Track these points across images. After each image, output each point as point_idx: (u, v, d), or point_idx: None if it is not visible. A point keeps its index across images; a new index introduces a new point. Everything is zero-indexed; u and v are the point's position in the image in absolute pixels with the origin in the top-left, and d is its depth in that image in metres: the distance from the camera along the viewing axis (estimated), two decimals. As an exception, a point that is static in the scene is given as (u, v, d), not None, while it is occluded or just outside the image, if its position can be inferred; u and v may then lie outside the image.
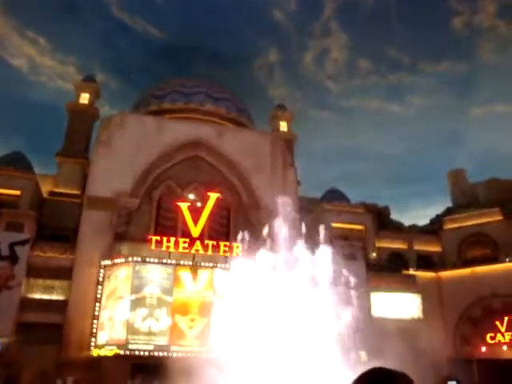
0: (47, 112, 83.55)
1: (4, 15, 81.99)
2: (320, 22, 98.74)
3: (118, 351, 23.37)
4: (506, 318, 30.92)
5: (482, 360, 29.95)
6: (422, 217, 67.48)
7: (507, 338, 30.75)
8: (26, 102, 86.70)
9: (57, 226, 28.05)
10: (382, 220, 39.76)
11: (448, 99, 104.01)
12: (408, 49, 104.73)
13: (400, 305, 30.69)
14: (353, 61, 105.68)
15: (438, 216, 45.17)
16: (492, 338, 31.05)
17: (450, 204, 47.36)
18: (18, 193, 28.65)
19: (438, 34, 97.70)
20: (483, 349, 30.72)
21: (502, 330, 30.95)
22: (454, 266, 34.07)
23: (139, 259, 25.00)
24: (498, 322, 31.07)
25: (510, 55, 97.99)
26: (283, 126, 42.52)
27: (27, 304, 24.80)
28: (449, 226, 36.92)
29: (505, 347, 30.66)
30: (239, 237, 20.47)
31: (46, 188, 31.69)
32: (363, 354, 22.74)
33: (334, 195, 36.93)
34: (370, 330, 25.02)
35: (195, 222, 27.03)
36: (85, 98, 37.86)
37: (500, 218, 35.21)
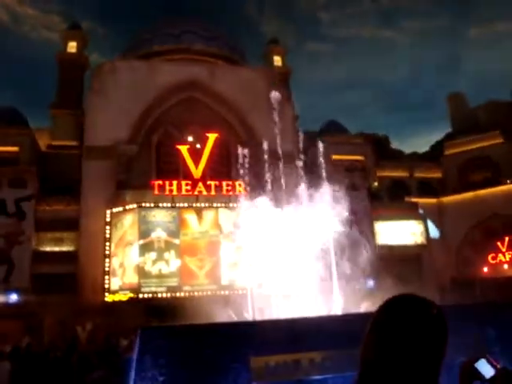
0: (35, 64, 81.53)
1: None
2: None
3: (131, 295, 24.12)
4: (506, 239, 31.61)
5: (484, 280, 30.87)
6: (422, 144, 67.47)
7: (508, 257, 31.57)
8: (11, 55, 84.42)
9: (59, 179, 28.10)
10: (381, 149, 39.64)
11: (445, 21, 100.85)
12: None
13: (404, 232, 31.20)
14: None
15: (438, 142, 44.95)
16: (493, 259, 31.87)
17: (450, 129, 46.99)
18: (16, 149, 28.49)
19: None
20: (485, 269, 31.60)
21: (503, 249, 31.72)
22: (456, 191, 34.33)
23: (146, 205, 25.28)
24: (498, 243, 31.78)
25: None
26: (277, 61, 41.54)
27: (40, 257, 25.35)
28: (449, 151, 36.84)
29: (505, 266, 31.54)
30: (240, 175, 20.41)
31: (42, 142, 31.45)
32: (370, 282, 23.45)
33: (332, 127, 36.56)
34: (376, 258, 25.65)
35: (196, 163, 26.98)
36: (72, 47, 36.76)
37: (500, 140, 35.08)
